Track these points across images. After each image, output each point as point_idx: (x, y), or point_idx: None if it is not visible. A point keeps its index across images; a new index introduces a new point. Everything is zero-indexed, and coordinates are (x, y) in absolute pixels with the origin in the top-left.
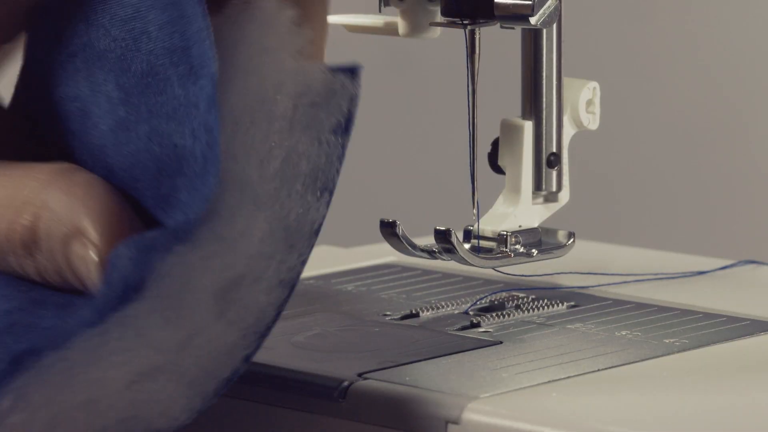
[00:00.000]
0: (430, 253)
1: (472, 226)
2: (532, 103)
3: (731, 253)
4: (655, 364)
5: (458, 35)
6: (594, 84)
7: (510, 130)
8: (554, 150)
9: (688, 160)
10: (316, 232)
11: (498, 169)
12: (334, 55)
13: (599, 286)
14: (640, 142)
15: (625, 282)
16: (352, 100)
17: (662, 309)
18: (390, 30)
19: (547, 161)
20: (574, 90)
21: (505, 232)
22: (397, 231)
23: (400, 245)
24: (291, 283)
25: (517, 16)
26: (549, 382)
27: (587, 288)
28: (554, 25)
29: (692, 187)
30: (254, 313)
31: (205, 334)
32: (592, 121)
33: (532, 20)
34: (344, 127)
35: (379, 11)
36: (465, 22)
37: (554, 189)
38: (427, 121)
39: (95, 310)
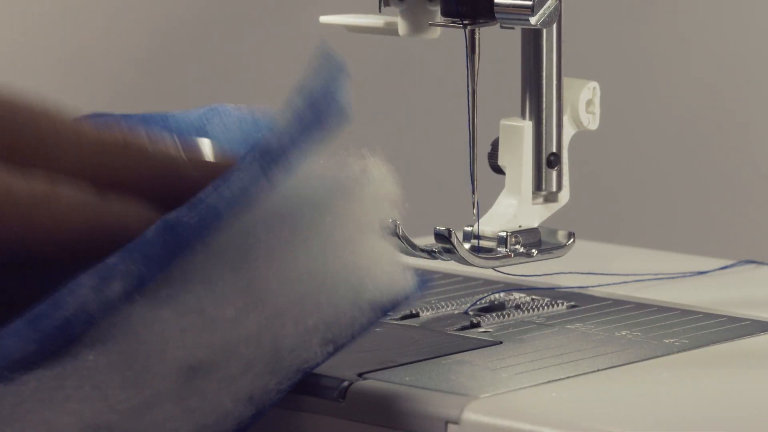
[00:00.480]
0: (430, 253)
1: (472, 226)
2: (532, 103)
3: (731, 253)
4: (655, 364)
5: (458, 35)
6: (594, 84)
7: (510, 130)
8: (554, 150)
9: (687, 160)
10: (303, 373)
11: (498, 169)
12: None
13: (599, 286)
14: (640, 142)
15: (625, 282)
16: (406, 298)
17: (662, 309)
18: (390, 30)
19: (547, 161)
20: (574, 90)
21: (505, 233)
22: (397, 231)
23: (400, 245)
24: (260, 406)
25: (517, 16)
26: (549, 382)
27: (587, 288)
28: (554, 25)
29: (692, 187)
30: (214, 411)
31: (163, 410)
32: (592, 121)
33: (532, 20)
34: (384, 309)
35: (379, 11)
36: (465, 22)
37: (554, 189)
38: (427, 121)
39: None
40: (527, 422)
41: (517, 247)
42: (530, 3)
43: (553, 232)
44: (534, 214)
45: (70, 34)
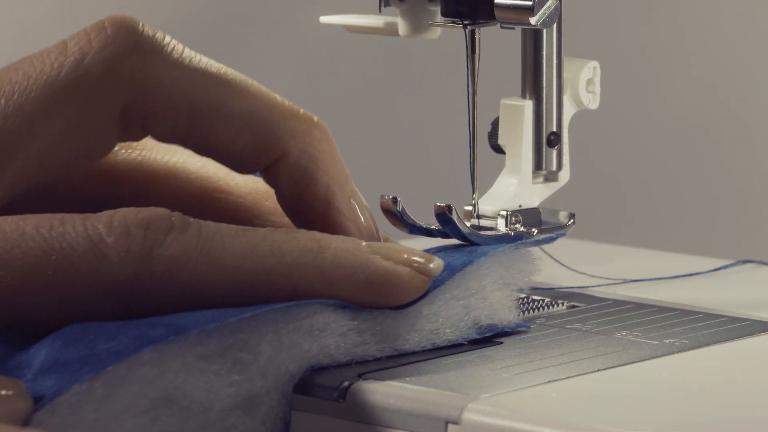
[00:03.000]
0: (429, 231)
1: (472, 205)
2: (532, 82)
3: (731, 253)
4: (655, 364)
5: (458, 35)
6: (594, 63)
7: (510, 110)
8: (554, 129)
9: (688, 161)
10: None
11: (498, 149)
12: (334, 55)
13: (599, 286)
14: (639, 142)
15: (625, 282)
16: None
17: (662, 309)
18: (390, 30)
19: (547, 140)
20: (575, 69)
21: (505, 211)
22: (397, 207)
23: (398, 223)
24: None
25: (517, 16)
26: (549, 382)
27: (587, 288)
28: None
29: (692, 187)
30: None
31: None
32: (592, 101)
33: (532, 20)
34: (482, 332)
35: (379, 11)
36: (465, 22)
37: (554, 168)
38: (427, 122)
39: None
40: (527, 422)
41: (517, 226)
42: (530, 3)
43: (554, 212)
44: (534, 194)
45: (68, 33)
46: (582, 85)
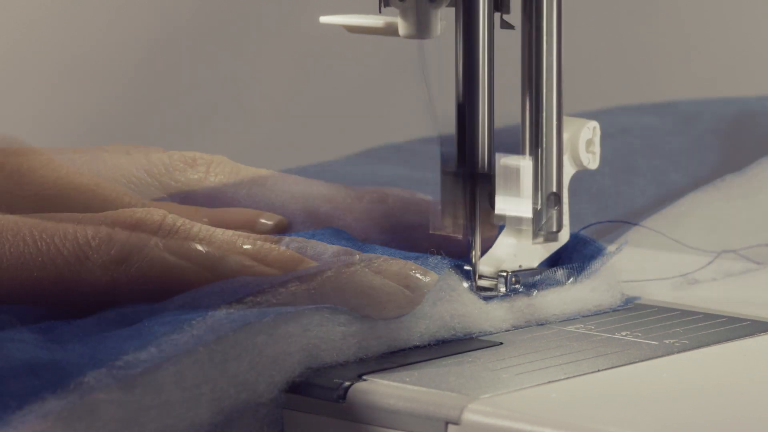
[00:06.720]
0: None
1: (472, 265)
2: (532, 142)
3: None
4: (655, 364)
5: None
6: (594, 123)
7: (510, 170)
8: (554, 189)
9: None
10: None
11: None
12: (334, 55)
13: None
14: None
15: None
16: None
17: (662, 309)
18: (390, 30)
19: (546, 200)
20: (574, 130)
21: (505, 272)
22: None
23: None
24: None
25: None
26: (549, 382)
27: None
28: (554, 65)
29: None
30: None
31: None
32: (592, 161)
33: None
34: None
35: (379, 11)
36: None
37: (554, 228)
38: (427, 122)
39: None
40: (527, 422)
41: (517, 287)
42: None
43: (553, 272)
44: (534, 254)
45: (69, 34)
46: (582, 146)
